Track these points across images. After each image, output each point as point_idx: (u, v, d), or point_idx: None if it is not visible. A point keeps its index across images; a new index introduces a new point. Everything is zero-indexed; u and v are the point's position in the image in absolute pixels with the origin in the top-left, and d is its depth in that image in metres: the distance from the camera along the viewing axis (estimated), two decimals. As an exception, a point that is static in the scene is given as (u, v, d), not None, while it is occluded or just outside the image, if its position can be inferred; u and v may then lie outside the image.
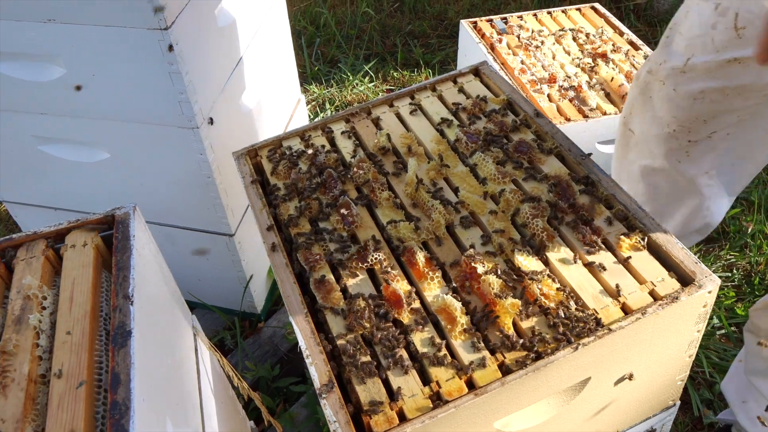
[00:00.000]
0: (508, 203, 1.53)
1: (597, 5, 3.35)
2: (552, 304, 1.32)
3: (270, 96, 2.52)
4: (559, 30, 3.17)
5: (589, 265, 1.40)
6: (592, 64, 2.90)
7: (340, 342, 1.31)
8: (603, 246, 1.42)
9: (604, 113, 2.65)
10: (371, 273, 1.46)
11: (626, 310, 1.31)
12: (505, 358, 1.25)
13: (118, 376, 0.98)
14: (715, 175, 2.03)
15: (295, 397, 2.41)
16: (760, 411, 1.89)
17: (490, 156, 1.65)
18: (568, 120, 2.62)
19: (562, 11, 3.33)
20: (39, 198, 2.38)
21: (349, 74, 4.00)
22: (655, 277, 1.35)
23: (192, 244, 2.35)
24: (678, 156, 1.97)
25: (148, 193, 2.19)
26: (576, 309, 1.31)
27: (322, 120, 1.88)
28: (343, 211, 1.56)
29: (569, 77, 2.83)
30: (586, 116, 2.63)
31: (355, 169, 1.67)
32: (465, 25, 3.18)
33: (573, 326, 1.27)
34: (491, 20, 3.23)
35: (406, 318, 1.34)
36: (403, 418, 1.19)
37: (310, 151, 1.77)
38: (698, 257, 2.78)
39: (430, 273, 1.41)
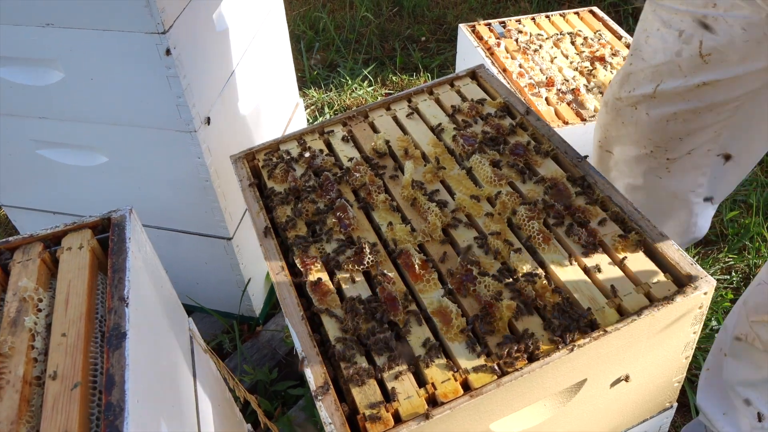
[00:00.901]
0: (504, 206, 1.53)
1: (595, 9, 3.35)
2: (548, 306, 1.32)
3: (268, 100, 2.52)
4: (558, 34, 3.17)
5: (584, 267, 1.40)
6: (590, 68, 2.91)
7: (335, 344, 1.31)
8: (599, 248, 1.43)
9: (602, 116, 2.65)
10: (367, 275, 1.47)
11: (622, 312, 1.31)
12: (500, 359, 1.25)
13: (113, 377, 0.98)
14: (702, 193, 2.04)
15: (293, 400, 2.41)
16: (751, 422, 1.87)
17: (487, 158, 1.65)
18: (566, 123, 2.62)
19: (561, 15, 3.33)
20: (37, 202, 2.38)
21: (348, 78, 4.00)
22: (650, 279, 1.35)
23: (190, 248, 2.35)
24: (658, 173, 1.99)
25: (146, 196, 2.19)
26: (572, 311, 1.31)
27: (319, 123, 1.88)
28: (339, 213, 1.57)
29: (567, 81, 2.84)
30: (583, 119, 2.64)
31: (351, 172, 1.67)
32: (463, 29, 3.19)
33: (568, 328, 1.27)
34: (490, 24, 3.24)
35: (401, 320, 1.34)
36: (398, 419, 1.19)
37: (307, 155, 1.77)
38: (697, 260, 2.79)
39: (426, 275, 1.41)
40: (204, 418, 1.36)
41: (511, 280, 1.39)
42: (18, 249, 1.26)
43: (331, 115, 3.74)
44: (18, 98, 1.97)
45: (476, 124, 1.78)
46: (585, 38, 3.12)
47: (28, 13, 1.75)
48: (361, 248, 1.48)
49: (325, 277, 1.46)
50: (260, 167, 1.79)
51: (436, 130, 1.78)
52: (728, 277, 2.79)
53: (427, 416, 1.17)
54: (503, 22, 3.25)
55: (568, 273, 1.39)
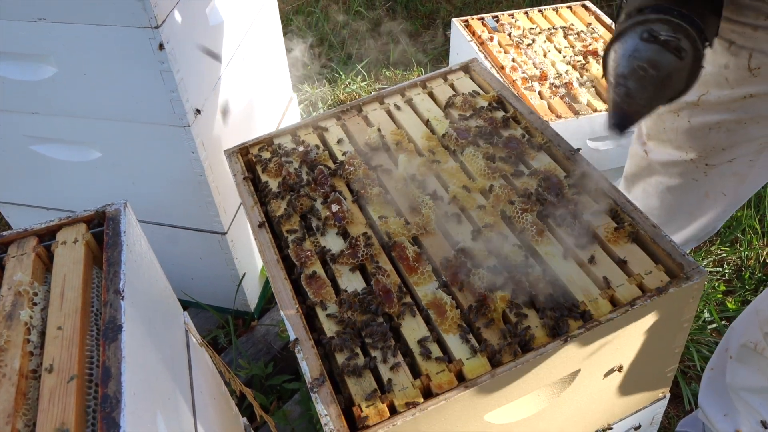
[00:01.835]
0: (498, 198, 1.54)
1: (588, 3, 3.36)
2: (541, 298, 1.33)
3: (262, 94, 2.52)
4: (550, 28, 3.18)
5: (578, 259, 1.41)
6: (583, 62, 2.91)
7: (331, 337, 1.32)
8: (592, 239, 1.43)
9: (595, 110, 2.66)
10: (362, 268, 1.47)
11: (615, 303, 1.32)
12: (495, 350, 1.25)
13: (109, 369, 0.98)
14: (734, 200, 2.00)
15: (288, 394, 2.42)
16: (753, 426, 1.88)
17: (480, 152, 1.66)
18: (559, 117, 2.63)
19: (553, 9, 3.34)
20: (31, 198, 2.38)
21: (341, 73, 4.00)
22: (643, 270, 1.36)
23: (184, 243, 2.35)
24: (695, 176, 1.93)
25: (140, 192, 2.19)
26: (565, 302, 1.32)
27: (313, 118, 1.89)
28: (334, 207, 1.57)
29: (560, 75, 2.84)
30: (576, 113, 2.64)
31: (345, 166, 1.68)
32: (456, 23, 3.19)
33: (562, 319, 1.28)
34: (483, 19, 3.24)
35: (396, 312, 1.35)
36: (393, 410, 1.20)
37: (301, 149, 1.77)
38: (689, 252, 2.80)
39: (420, 267, 1.42)
40: (200, 412, 1.37)
41: (504, 271, 1.39)
42: (13, 243, 1.26)
43: (325, 110, 3.74)
44: (11, 94, 1.97)
45: (470, 117, 1.78)
46: (578, 32, 3.13)
47: (21, 8, 1.75)
48: (356, 241, 1.48)
49: (320, 270, 1.46)
50: (254, 162, 1.79)
51: (430, 124, 1.79)
52: (720, 269, 2.81)
53: (421, 406, 1.18)
54: (496, 17, 3.26)
55: (561, 265, 1.40)
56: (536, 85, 2.78)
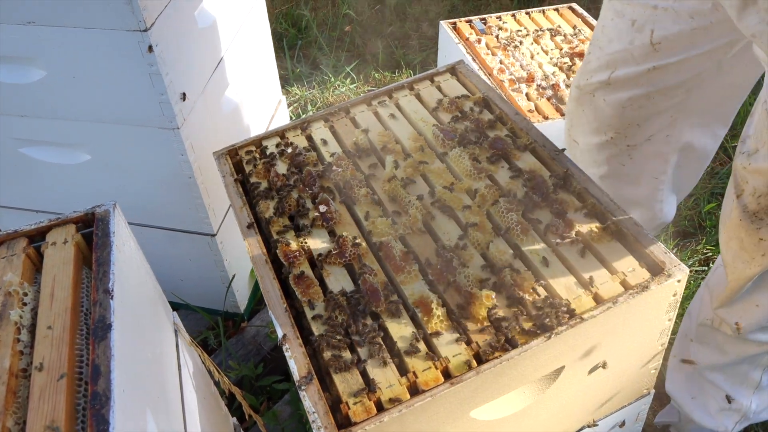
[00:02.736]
0: (484, 198, 1.56)
1: (575, 5, 3.39)
2: (526, 295, 1.35)
3: (251, 97, 2.54)
4: (537, 30, 3.21)
5: (562, 257, 1.43)
6: (570, 63, 2.94)
7: (319, 335, 1.33)
8: (576, 238, 1.46)
9: (581, 111, 2.69)
10: (350, 268, 1.49)
11: (598, 300, 1.34)
12: (480, 348, 1.27)
13: (99, 367, 0.99)
14: (665, 180, 2.09)
15: (278, 395, 2.43)
16: (719, 403, 1.92)
17: (467, 152, 1.68)
18: (546, 118, 2.66)
19: (540, 11, 3.37)
20: (20, 201, 2.38)
21: (330, 76, 4.02)
22: (626, 268, 1.38)
23: (174, 245, 2.36)
24: (621, 160, 2.04)
25: (130, 194, 2.20)
26: (549, 299, 1.34)
27: (301, 119, 1.91)
28: (321, 207, 1.59)
29: (547, 76, 2.87)
30: (563, 114, 2.67)
31: (333, 167, 1.70)
32: (444, 26, 3.21)
33: (546, 316, 1.30)
34: (470, 21, 3.26)
35: (383, 310, 1.37)
36: (380, 407, 1.22)
37: (289, 150, 1.79)
38: (675, 251, 2.84)
39: (407, 266, 1.44)
40: (189, 410, 1.38)
41: (490, 270, 1.42)
42: (2, 245, 1.27)
43: (314, 113, 3.76)
44: (0, 96, 1.98)
45: (456, 118, 1.80)
46: (564, 34, 3.16)
47: (10, 12, 1.76)
48: (343, 241, 1.50)
49: (307, 270, 1.48)
50: (243, 163, 1.80)
51: (417, 125, 1.81)
52: (706, 268, 2.84)
53: (408, 403, 1.19)
54: (484, 19, 3.28)
55: (545, 263, 1.42)
56: (523, 86, 2.81)
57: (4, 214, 2.46)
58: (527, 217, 1.52)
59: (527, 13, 3.36)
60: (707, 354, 1.89)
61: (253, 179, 1.74)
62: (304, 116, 2.06)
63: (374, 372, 1.26)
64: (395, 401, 1.21)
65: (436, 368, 1.26)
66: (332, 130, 1.87)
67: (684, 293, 2.65)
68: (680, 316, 2.59)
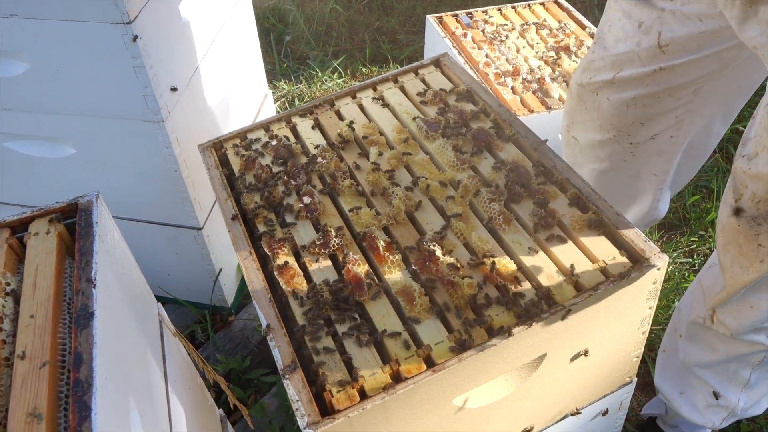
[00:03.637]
0: (466, 189, 1.57)
1: (560, 0, 3.41)
2: (507, 284, 1.36)
3: (236, 90, 2.54)
4: (523, 24, 3.22)
5: (543, 246, 1.45)
6: (555, 57, 2.96)
7: (302, 325, 1.34)
8: (557, 227, 1.47)
9: (566, 104, 2.70)
10: (334, 259, 1.50)
11: (579, 288, 1.36)
12: (462, 335, 1.29)
13: (81, 355, 1.00)
14: (666, 179, 2.11)
15: (266, 387, 2.44)
16: (707, 399, 1.94)
17: (450, 144, 1.69)
18: (532, 111, 2.67)
19: (526, 6, 3.38)
20: (5, 195, 2.37)
21: (318, 70, 4.02)
22: (606, 256, 1.40)
23: (160, 239, 2.36)
24: (623, 156, 2.03)
25: (116, 188, 2.20)
26: (530, 287, 1.35)
27: (286, 112, 1.91)
28: (306, 199, 1.60)
29: (533, 70, 2.89)
30: (548, 108, 2.69)
31: (318, 159, 1.70)
32: (431, 20, 3.22)
33: (528, 304, 1.32)
34: (456, 15, 3.28)
35: (366, 300, 1.38)
36: (364, 395, 1.23)
37: (274, 143, 1.80)
38: (660, 243, 2.86)
39: (390, 257, 1.45)
40: (174, 400, 1.39)
41: (472, 259, 1.43)
42: (-15, 236, 1.27)
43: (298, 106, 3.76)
44: (-17, 90, 1.97)
45: (440, 110, 1.81)
46: (550, 29, 3.17)
47: (-8, 5, 1.76)
48: (327, 232, 1.51)
49: (291, 260, 1.49)
50: (228, 156, 1.81)
51: (401, 117, 1.82)
52: (690, 260, 2.86)
53: (391, 390, 1.20)
54: (470, 13, 3.30)
55: (527, 251, 1.43)
56: (509, 80, 2.82)
57: (-12, 208, 2.46)
58: (509, 207, 1.54)
59: (513, 7, 3.38)
60: (697, 351, 1.89)
61: (237, 172, 1.75)
62: (289, 109, 2.07)
63: (357, 360, 1.27)
64: (378, 389, 1.22)
65: (419, 356, 1.27)
66: (317, 122, 1.87)
67: (669, 285, 2.69)
68: (663, 308, 2.62)
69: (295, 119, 1.89)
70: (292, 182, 1.66)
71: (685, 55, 1.72)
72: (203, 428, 1.58)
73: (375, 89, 1.95)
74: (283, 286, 1.43)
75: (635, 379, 1.71)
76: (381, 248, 1.47)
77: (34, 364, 1.01)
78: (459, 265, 1.41)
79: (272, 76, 4.00)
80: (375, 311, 1.36)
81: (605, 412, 1.75)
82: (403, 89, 1.93)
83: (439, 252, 1.43)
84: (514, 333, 1.27)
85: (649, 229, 2.94)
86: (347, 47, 4.26)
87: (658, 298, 1.47)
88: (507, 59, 2.97)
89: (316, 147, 1.77)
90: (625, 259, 1.39)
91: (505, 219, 1.49)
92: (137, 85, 1.85)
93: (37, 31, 1.79)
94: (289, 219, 1.58)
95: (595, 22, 4.12)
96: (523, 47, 3.06)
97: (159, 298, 1.66)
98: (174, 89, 1.96)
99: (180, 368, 1.53)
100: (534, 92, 2.77)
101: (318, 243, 1.50)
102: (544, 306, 1.31)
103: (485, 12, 3.33)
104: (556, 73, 2.88)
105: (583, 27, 3.20)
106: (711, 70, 1.77)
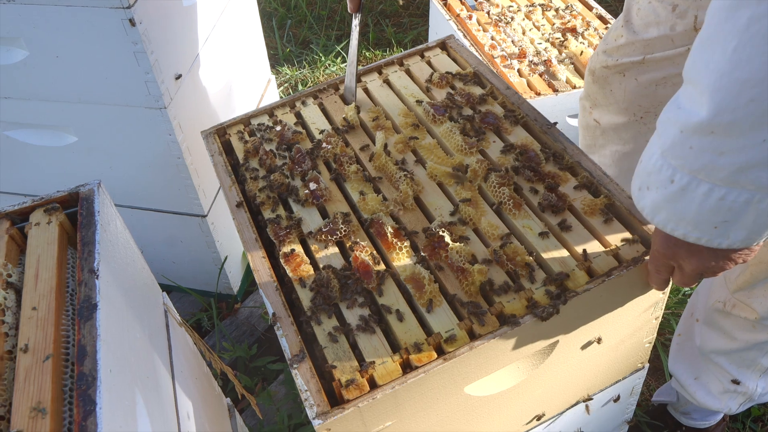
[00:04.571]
0: (475, 173, 1.54)
1: (566, -20, 3.35)
2: (519, 270, 1.34)
3: (239, 76, 2.50)
4: (529, 5, 3.18)
5: (554, 231, 1.42)
6: (562, 39, 2.91)
7: (310, 313, 1.32)
8: (569, 212, 1.44)
9: (574, 87, 2.67)
10: (341, 246, 1.47)
11: (592, 274, 1.33)
12: (473, 323, 1.26)
13: (85, 348, 0.98)
14: None
15: (273, 375, 2.42)
16: (724, 385, 1.90)
17: (457, 127, 1.66)
18: (539, 94, 2.64)
19: (532, -13, 3.33)
20: (6, 185, 2.35)
21: (321, 55, 3.98)
22: (619, 241, 1.37)
23: (165, 227, 2.34)
24: (648, 137, 1.97)
25: (118, 176, 2.17)
26: (543, 273, 1.33)
27: (290, 97, 1.88)
28: (311, 185, 1.57)
29: (539, 52, 2.85)
30: (556, 90, 2.65)
31: (323, 144, 1.67)
32: (435, 2, 3.18)
33: (539, 290, 1.29)
34: (461, -3, 3.23)
35: (374, 287, 1.35)
36: (373, 384, 1.20)
37: (278, 128, 1.76)
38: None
39: (399, 243, 1.42)
40: (181, 391, 1.37)
41: (482, 245, 1.40)
42: (-15, 226, 1.24)
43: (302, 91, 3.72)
44: (-18, 78, 1.95)
45: (447, 93, 1.78)
46: (556, 10, 3.12)
47: (-11, -10, 1.72)
48: (334, 219, 1.48)
49: (298, 248, 1.46)
50: (231, 142, 1.78)
51: (407, 101, 1.79)
52: (700, 243, 2.83)
53: (401, 379, 1.18)
54: (475, -5, 3.25)
55: (538, 237, 1.40)
56: (515, 62, 2.78)
57: (-9, 198, 2.43)
58: (519, 191, 1.50)
59: (518, -12, 3.32)
60: (714, 338, 1.85)
61: (241, 158, 1.72)
62: (293, 94, 2.04)
63: (366, 349, 1.25)
64: (388, 378, 1.19)
65: (429, 344, 1.25)
66: (321, 107, 1.84)
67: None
68: (673, 291, 2.59)
69: (299, 104, 1.85)
70: (298, 168, 1.63)
71: None
72: (211, 418, 1.57)
73: (380, 72, 1.91)
74: (290, 274, 1.41)
75: (647, 365, 1.69)
76: (389, 234, 1.44)
77: (38, 357, 0.99)
78: (468, 251, 1.38)
79: (275, 61, 3.96)
80: (383, 299, 1.34)
81: (617, 399, 1.73)
82: (408, 72, 1.89)
83: (448, 238, 1.41)
84: (526, 321, 1.24)
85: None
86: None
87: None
88: (513, 41, 2.92)
89: (321, 132, 1.74)
90: (638, 244, 1.36)
91: (515, 203, 1.46)
92: (138, 72, 1.82)
93: (35, 17, 1.76)
94: (294, 206, 1.55)
95: (601, 3, 4.07)
96: (530, 29, 3.02)
97: (164, 287, 1.65)
98: (178, 77, 1.93)
99: (186, 358, 1.51)
100: (541, 75, 2.73)
101: (325, 230, 1.47)
102: (556, 292, 1.29)
103: (490, -7, 3.27)
104: (563, 55, 2.84)
105: (590, 8, 3.15)
106: None
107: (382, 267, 1.39)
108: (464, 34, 2.96)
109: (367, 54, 4.01)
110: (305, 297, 1.36)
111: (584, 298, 1.28)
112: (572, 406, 1.63)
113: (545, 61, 2.78)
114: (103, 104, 1.95)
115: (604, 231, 1.39)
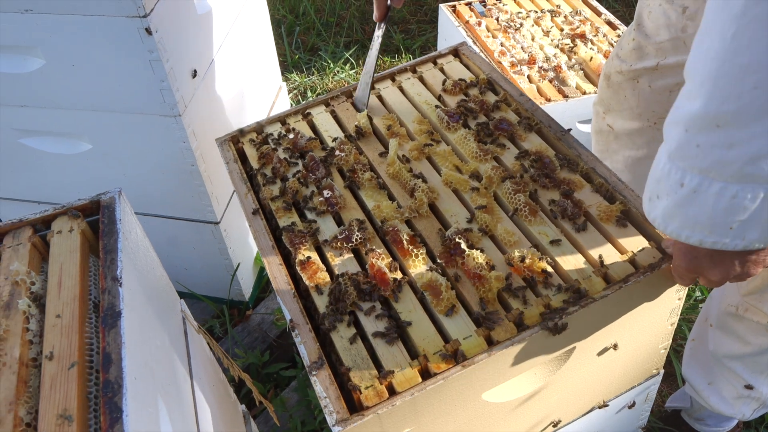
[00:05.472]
0: (491, 180, 1.55)
1: (574, -14, 3.36)
2: (536, 277, 1.34)
3: (251, 83, 2.52)
4: (538, 11, 3.19)
5: (571, 237, 1.42)
6: (571, 45, 2.92)
7: (327, 320, 1.33)
8: (584, 218, 1.45)
9: (584, 93, 2.67)
10: (356, 253, 1.48)
11: (608, 280, 1.33)
12: (491, 330, 1.27)
13: (110, 355, 0.99)
14: None
15: (285, 382, 2.43)
16: (738, 390, 1.89)
17: (472, 134, 1.66)
18: (549, 100, 2.64)
19: (540, -7, 3.34)
20: (22, 192, 2.37)
21: (329, 62, 3.99)
22: (635, 247, 1.37)
23: (177, 234, 2.35)
24: (661, 142, 1.98)
25: (132, 183, 2.19)
26: (559, 280, 1.33)
27: (302, 105, 1.89)
28: (326, 193, 1.57)
29: (548, 58, 2.86)
30: (566, 96, 2.66)
31: (336, 152, 1.68)
32: (444, 9, 3.19)
33: (557, 297, 1.30)
34: (470, 3, 3.24)
35: (391, 295, 1.36)
36: (392, 391, 1.21)
37: (291, 136, 1.77)
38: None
39: (415, 250, 1.43)
40: (200, 398, 1.38)
41: (499, 252, 1.41)
42: (7, 234, 1.25)
43: (314, 99, 3.73)
44: (-1, 86, 1.96)
45: (460, 100, 1.79)
46: (565, 15, 3.13)
47: (7, 0, 1.74)
48: (349, 226, 1.49)
49: (314, 255, 1.47)
50: (245, 149, 1.79)
51: (421, 108, 1.79)
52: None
53: (420, 386, 1.19)
54: (483, 1, 3.26)
55: (555, 244, 1.41)
56: (525, 69, 2.79)
57: (4, 205, 2.45)
58: (534, 198, 1.51)
59: (527, -6, 3.34)
60: (727, 343, 1.84)
61: (256, 165, 1.73)
62: (305, 101, 2.05)
63: (385, 356, 1.26)
64: (407, 385, 1.20)
65: (447, 351, 1.25)
66: (333, 114, 1.85)
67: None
68: (685, 297, 2.59)
69: (312, 111, 1.86)
70: (311, 176, 1.64)
71: None
72: (228, 425, 1.57)
73: (393, 80, 1.92)
74: (306, 282, 1.41)
75: (662, 371, 1.69)
76: (405, 242, 1.45)
77: (63, 364, 0.99)
78: (485, 258, 1.39)
79: (284, 68, 3.97)
80: (400, 306, 1.34)
81: (632, 405, 1.73)
82: (422, 79, 1.90)
83: (464, 245, 1.41)
84: (543, 327, 1.25)
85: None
86: (358, 38, 4.23)
87: (687, 289, 1.44)
88: (522, 47, 2.93)
89: (334, 139, 1.75)
90: (654, 250, 1.36)
91: (531, 210, 1.47)
92: (153, 79, 1.84)
93: (52, 27, 1.77)
94: (309, 213, 1.56)
95: (610, 9, 4.08)
96: (538, 35, 3.03)
97: (177, 293, 1.65)
98: (194, 74, 1.94)
99: (204, 364, 1.52)
100: (550, 81, 2.74)
101: (340, 237, 1.48)
102: (573, 299, 1.29)
103: (499, 0, 3.29)
104: (573, 60, 2.85)
105: (599, 13, 3.16)
106: None
107: (398, 274, 1.39)
108: (473, 41, 2.97)
109: (375, 60, 4.02)
110: (322, 304, 1.37)
111: (601, 304, 1.29)
112: (588, 412, 1.63)
113: (555, 67, 2.79)
114: (118, 112, 1.96)
115: (620, 237, 1.40)
